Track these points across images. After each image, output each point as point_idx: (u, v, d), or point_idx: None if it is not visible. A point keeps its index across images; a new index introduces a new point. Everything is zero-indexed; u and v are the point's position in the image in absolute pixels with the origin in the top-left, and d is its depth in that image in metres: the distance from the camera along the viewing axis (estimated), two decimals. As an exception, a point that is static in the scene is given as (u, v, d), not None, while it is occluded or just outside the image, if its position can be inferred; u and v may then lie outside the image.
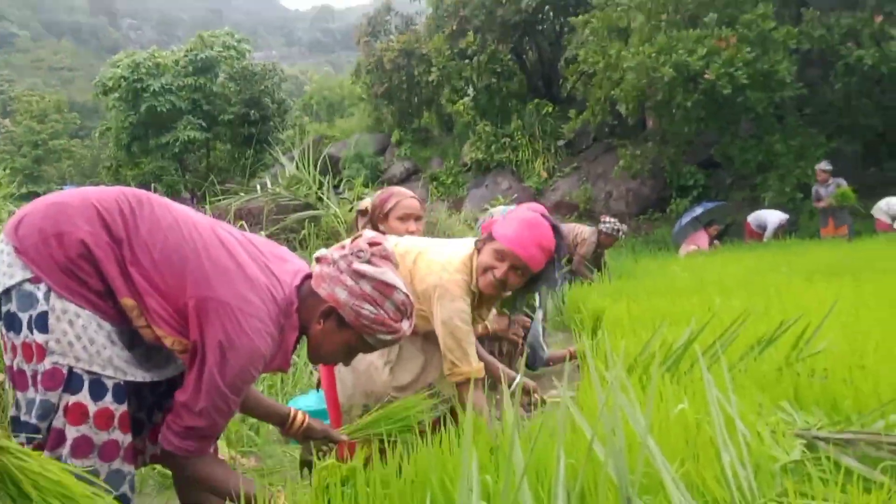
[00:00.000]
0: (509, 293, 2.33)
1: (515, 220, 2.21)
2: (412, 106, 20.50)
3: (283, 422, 2.03)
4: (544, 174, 16.75)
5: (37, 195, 1.67)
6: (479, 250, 2.27)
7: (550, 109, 17.45)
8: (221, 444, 2.60)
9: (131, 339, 1.62)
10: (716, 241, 10.15)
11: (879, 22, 10.57)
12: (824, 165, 9.80)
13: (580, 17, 14.31)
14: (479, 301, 2.31)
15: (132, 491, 1.58)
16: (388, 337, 1.70)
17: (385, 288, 1.67)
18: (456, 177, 18.31)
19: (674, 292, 4.84)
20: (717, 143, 13.06)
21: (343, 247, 1.75)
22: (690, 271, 6.41)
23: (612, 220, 6.90)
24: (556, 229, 2.22)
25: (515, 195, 14.56)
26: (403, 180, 19.17)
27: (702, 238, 9.92)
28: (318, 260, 1.75)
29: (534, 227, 2.19)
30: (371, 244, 1.72)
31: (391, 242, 2.39)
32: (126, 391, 1.59)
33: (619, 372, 1.82)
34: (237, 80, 22.87)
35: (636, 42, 11.78)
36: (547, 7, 17.26)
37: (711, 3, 11.40)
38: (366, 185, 18.05)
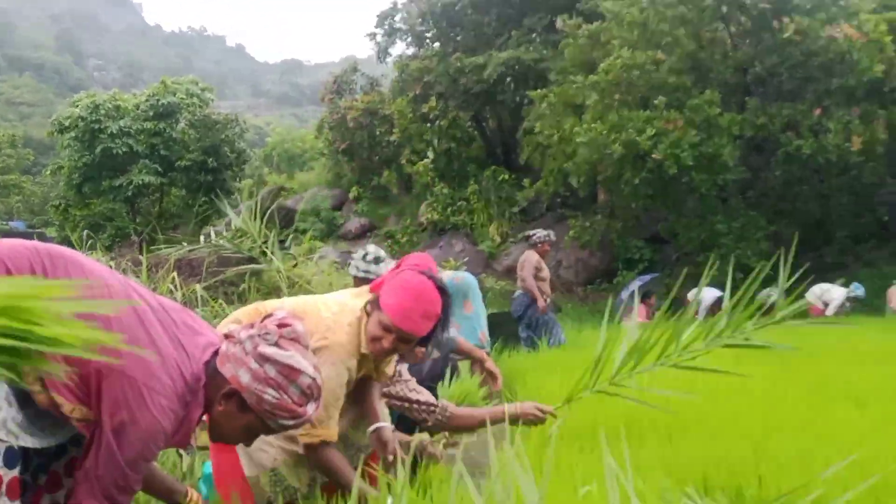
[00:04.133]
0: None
1: (401, 289, 2.18)
2: (372, 164, 20.73)
3: (176, 501, 1.96)
4: (498, 239, 16.97)
5: None
6: (367, 313, 2.25)
7: (507, 177, 17.82)
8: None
9: (24, 399, 1.55)
10: (655, 315, 10.37)
11: (818, 115, 11.19)
12: None
13: (538, 91, 14.82)
14: (366, 359, 2.29)
15: None
16: (290, 422, 1.66)
17: (290, 372, 1.62)
18: (411, 236, 18.42)
19: (608, 366, 4.88)
20: (664, 220, 13.47)
21: (252, 325, 1.71)
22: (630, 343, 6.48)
23: (536, 230, 7.57)
24: (442, 290, 2.21)
25: (467, 258, 14.69)
26: (359, 237, 19.20)
27: (640, 311, 10.11)
28: (226, 337, 1.71)
29: (419, 297, 2.17)
30: (280, 325, 1.68)
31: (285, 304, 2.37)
32: (18, 456, 1.52)
33: (517, 443, 1.82)
34: (198, 127, 22.82)
35: (589, 119, 12.21)
36: (508, 79, 17.83)
37: (661, 86, 11.95)
38: (320, 240, 18.07)
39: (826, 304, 10.05)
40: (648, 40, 12.76)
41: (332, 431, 2.20)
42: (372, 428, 2.43)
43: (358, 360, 2.24)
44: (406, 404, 2.83)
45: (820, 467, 2.14)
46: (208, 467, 3.30)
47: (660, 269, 14.04)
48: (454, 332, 4.30)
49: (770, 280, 9.75)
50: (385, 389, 2.89)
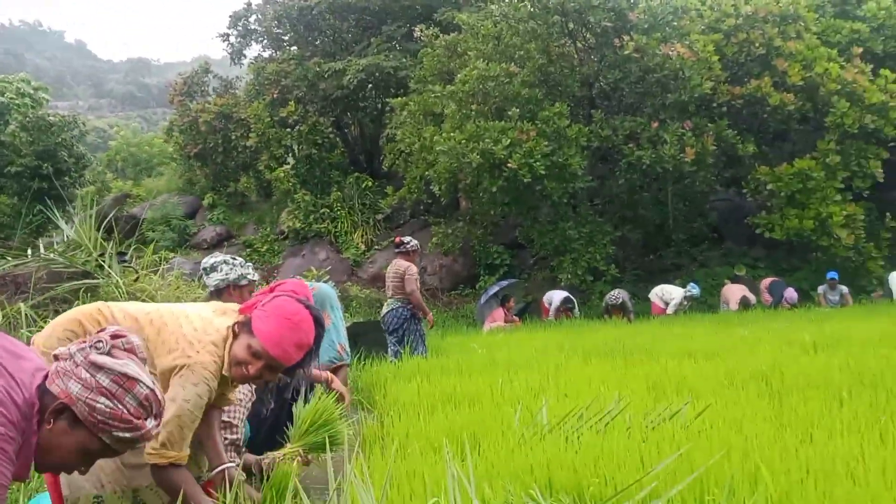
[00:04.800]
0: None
1: (277, 316, 2.13)
2: (228, 169, 19.94)
3: None
4: (362, 246, 16.85)
5: None
6: (234, 334, 2.16)
7: (370, 183, 17.76)
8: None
9: None
10: (515, 318, 10.71)
11: (655, 127, 12.07)
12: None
13: (399, 98, 14.90)
14: (225, 381, 2.21)
15: None
16: (128, 435, 1.55)
17: (126, 381, 1.54)
18: (272, 245, 17.89)
19: (466, 371, 4.97)
20: (520, 226, 13.97)
21: (83, 340, 1.62)
22: (487, 348, 6.65)
23: (408, 238, 7.21)
24: (317, 320, 2.18)
25: (331, 266, 14.46)
26: (214, 245, 18.35)
27: (499, 314, 10.44)
28: (56, 357, 1.60)
29: (295, 327, 2.12)
30: (114, 336, 1.61)
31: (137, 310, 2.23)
32: None
33: (360, 458, 1.79)
34: (30, 129, 20.88)
35: (448, 128, 12.44)
36: (369, 85, 17.78)
37: (515, 98, 12.41)
38: (172, 250, 17.10)
39: (666, 304, 10.84)
40: (502, 53, 13.22)
41: (184, 453, 2.10)
42: (217, 470, 2.32)
43: (218, 381, 2.15)
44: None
45: (654, 462, 2.27)
46: (37, 501, 3.01)
47: (518, 273, 14.55)
48: None
49: (617, 281, 10.46)
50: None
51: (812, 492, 1.91)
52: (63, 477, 2.21)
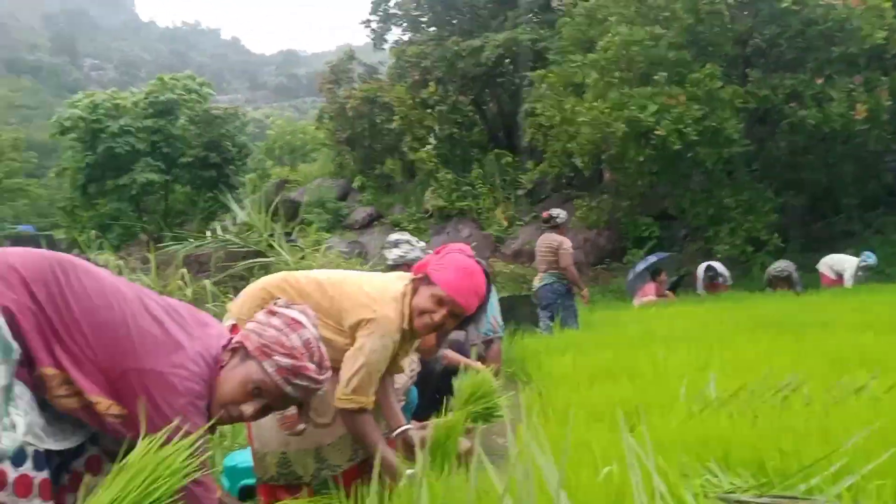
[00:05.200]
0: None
1: (454, 267, 2.26)
2: (375, 152, 20.66)
3: None
4: (505, 222, 16.92)
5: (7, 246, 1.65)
6: (414, 290, 2.27)
7: (510, 159, 17.74)
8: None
9: (42, 404, 1.60)
10: (668, 292, 10.29)
11: (820, 84, 11.07)
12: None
13: (537, 71, 14.69)
14: (404, 337, 2.33)
15: None
16: (287, 362, 1.66)
17: (293, 323, 1.72)
18: (418, 223, 18.39)
19: (621, 344, 4.88)
20: (670, 197, 13.39)
21: (266, 312, 1.82)
22: (640, 323, 6.48)
23: (556, 210, 6.94)
24: (487, 275, 2.30)
25: (475, 242, 14.65)
26: (365, 226, 19.18)
27: (650, 288, 10.05)
28: (234, 328, 1.88)
29: (472, 275, 2.25)
30: (288, 306, 1.81)
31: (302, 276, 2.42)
32: (45, 459, 1.55)
33: (535, 426, 1.82)
34: (198, 123, 22.79)
35: (590, 98, 12.11)
36: (507, 61, 17.69)
37: (661, 62, 11.83)
38: (327, 231, 18.08)
39: (839, 275, 9.97)
40: (646, 15, 12.60)
41: (370, 399, 2.25)
42: (398, 431, 2.45)
43: (400, 336, 2.29)
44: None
45: (840, 438, 2.13)
46: (230, 459, 3.32)
47: (668, 245, 13.98)
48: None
49: (781, 251, 9.78)
50: None
51: None
52: (255, 430, 2.42)
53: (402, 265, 3.68)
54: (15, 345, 1.48)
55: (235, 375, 1.68)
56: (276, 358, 1.67)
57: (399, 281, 2.35)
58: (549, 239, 6.74)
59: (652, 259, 11.13)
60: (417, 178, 19.79)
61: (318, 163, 24.67)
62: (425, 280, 2.27)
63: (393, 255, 3.73)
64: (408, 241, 3.79)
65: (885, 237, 12.38)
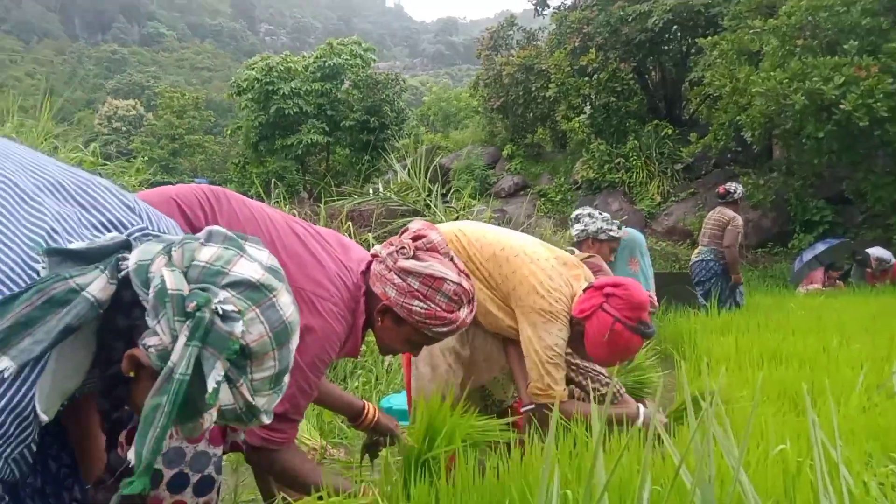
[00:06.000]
0: None
1: (609, 345, 2.23)
2: (526, 121, 20.49)
3: (356, 415, 2.09)
4: (658, 198, 16.27)
5: (170, 185, 1.81)
6: (573, 323, 2.35)
7: (670, 132, 16.95)
8: (314, 432, 2.70)
9: None
10: (839, 282, 9.47)
11: None
12: None
13: (709, 38, 13.82)
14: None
15: (218, 472, 1.54)
16: (444, 329, 1.71)
17: (433, 282, 1.68)
18: (565, 194, 18.14)
19: (786, 329, 4.58)
20: (849, 178, 12.23)
21: (391, 244, 1.79)
22: (808, 310, 6.03)
23: (733, 184, 6.62)
24: (643, 335, 2.26)
25: (625, 216, 14.22)
26: (511, 195, 19.19)
27: (818, 276, 9.28)
28: (373, 257, 1.81)
29: (623, 354, 2.28)
30: (415, 238, 1.75)
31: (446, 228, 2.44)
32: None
33: (716, 403, 1.76)
34: (361, 87, 23.66)
35: (767, 67, 11.24)
36: (675, 27, 16.78)
37: (853, 29, 10.72)
38: (473, 197, 18.31)
39: None
40: (839, -23, 11.45)
41: (562, 390, 2.33)
42: (526, 409, 2.47)
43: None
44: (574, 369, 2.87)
45: None
46: (385, 402, 3.51)
47: (842, 232, 12.83)
48: None
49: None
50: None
51: None
52: (415, 384, 2.53)
53: (585, 239, 3.72)
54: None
55: (397, 336, 1.77)
56: (434, 329, 1.72)
57: (566, 269, 2.38)
58: (721, 213, 6.48)
59: (821, 247, 10.28)
60: (568, 148, 19.44)
61: (469, 130, 24.90)
62: (580, 336, 2.32)
63: (574, 230, 3.76)
64: (589, 214, 3.80)
65: None
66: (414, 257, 1.71)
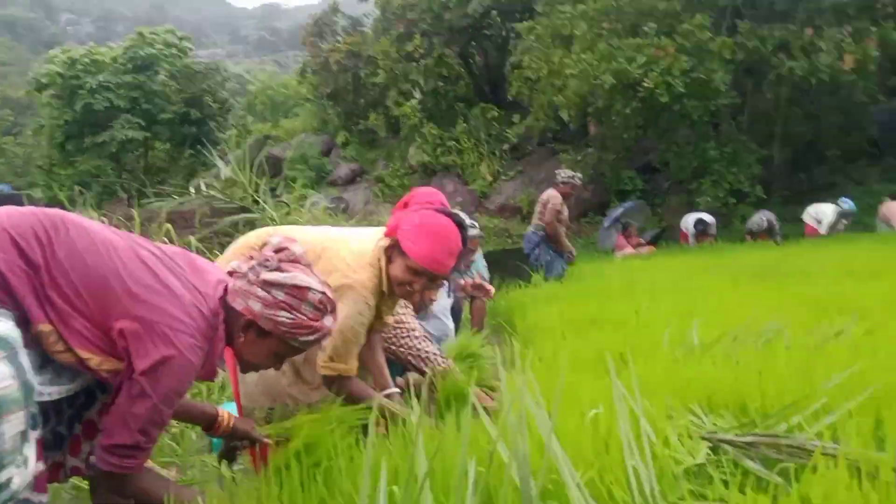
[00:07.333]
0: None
1: (424, 233, 2.19)
2: (358, 107, 20.40)
3: (210, 423, 2.01)
4: (489, 178, 16.87)
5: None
6: (388, 258, 2.25)
7: (496, 114, 17.60)
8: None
9: (42, 361, 1.58)
10: (649, 245, 10.38)
11: (810, 35, 10.99)
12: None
13: (525, 23, 14.47)
14: (384, 297, 2.32)
15: None
16: (311, 338, 1.73)
17: (298, 292, 1.69)
18: (402, 179, 18.30)
19: (605, 295, 4.93)
20: (655, 150, 13.38)
21: (251, 257, 1.76)
22: (625, 274, 6.54)
23: (565, 171, 7.21)
24: (460, 225, 2.23)
25: (460, 198, 14.64)
26: (349, 182, 19.08)
27: (622, 242, 10.18)
28: (231, 274, 1.76)
29: (444, 239, 2.19)
30: (277, 251, 1.75)
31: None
32: (38, 416, 1.52)
33: (527, 374, 1.84)
34: (178, 78, 22.34)
35: (578, 49, 11.97)
36: (494, 12, 17.40)
37: (651, 13, 11.68)
38: (311, 187, 17.97)
39: (820, 223, 10.09)
40: (636, -36, 12.39)
41: (351, 366, 2.25)
42: (384, 393, 2.46)
43: (378, 299, 2.28)
44: (413, 353, 2.87)
45: (821, 380, 2.18)
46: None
47: (651, 198, 14.04)
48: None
49: (763, 203, 9.88)
50: (392, 343, 2.93)
51: None
52: (242, 389, 2.44)
53: None
54: (35, 386, 1.47)
55: (261, 350, 1.74)
56: (301, 339, 1.71)
57: (370, 241, 2.30)
58: (546, 193, 7.02)
59: (618, 211, 11.19)
60: (402, 133, 19.61)
61: (301, 118, 24.36)
62: (397, 249, 2.22)
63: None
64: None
65: (865, 188, 12.50)
66: (277, 269, 1.71)
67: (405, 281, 2.22)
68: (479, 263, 5.22)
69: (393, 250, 2.24)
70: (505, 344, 3.76)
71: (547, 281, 6.51)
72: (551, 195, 6.88)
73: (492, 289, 4.68)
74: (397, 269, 2.22)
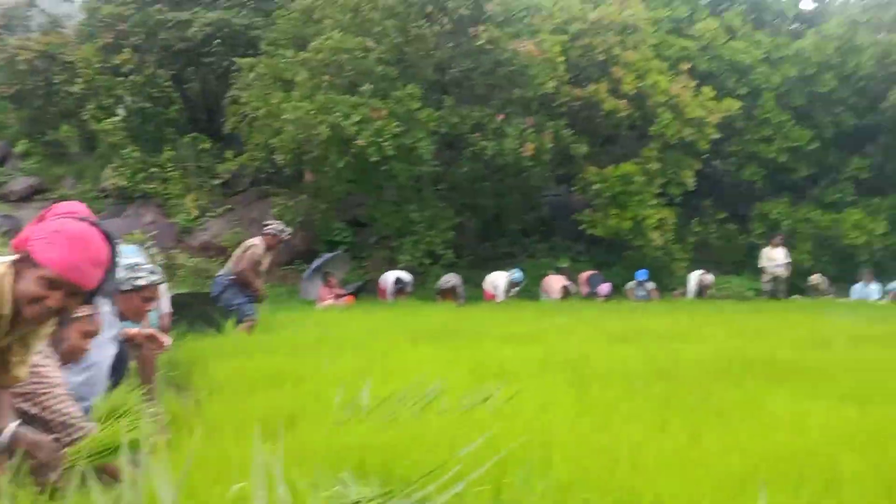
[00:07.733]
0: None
1: (62, 239, 1.91)
2: (47, 115, 17.97)
3: None
4: (195, 212, 15.94)
5: None
6: (17, 273, 1.92)
7: (209, 146, 16.81)
8: None
9: None
10: (348, 296, 10.71)
11: (500, 120, 12.49)
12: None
13: (248, 59, 14.21)
14: (17, 325, 1.97)
15: None
16: None
17: None
18: (91, 202, 16.40)
19: (293, 349, 4.90)
20: (364, 205, 13.93)
21: None
22: (319, 327, 6.60)
23: (276, 222, 7.29)
24: (107, 235, 1.99)
25: (157, 231, 13.59)
26: (25, 198, 16.60)
27: (325, 292, 10.44)
28: None
29: (85, 246, 1.92)
30: None
31: None
32: None
33: (154, 441, 1.73)
34: None
35: (298, 96, 12.08)
36: (216, 41, 16.77)
37: (369, 74, 12.29)
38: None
39: (496, 289, 11.35)
40: (360, 26, 12.98)
41: None
42: (8, 432, 2.09)
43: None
44: (51, 417, 2.50)
45: (462, 445, 2.38)
46: None
47: (359, 251, 14.50)
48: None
49: (453, 266, 10.78)
50: (33, 402, 2.52)
51: (595, 478, 2.10)
52: None
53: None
54: None
55: None
56: None
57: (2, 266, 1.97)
58: (248, 241, 6.99)
59: (318, 261, 11.49)
60: (98, 151, 17.69)
61: (-29, 117, 20.71)
62: (28, 261, 1.91)
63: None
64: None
65: (535, 260, 14.40)
66: None
67: (37, 296, 1.88)
68: (162, 310, 4.86)
69: (22, 264, 1.92)
70: (172, 403, 3.51)
71: (239, 325, 6.30)
72: (255, 244, 6.80)
73: (167, 340, 4.02)
74: (27, 283, 1.89)
